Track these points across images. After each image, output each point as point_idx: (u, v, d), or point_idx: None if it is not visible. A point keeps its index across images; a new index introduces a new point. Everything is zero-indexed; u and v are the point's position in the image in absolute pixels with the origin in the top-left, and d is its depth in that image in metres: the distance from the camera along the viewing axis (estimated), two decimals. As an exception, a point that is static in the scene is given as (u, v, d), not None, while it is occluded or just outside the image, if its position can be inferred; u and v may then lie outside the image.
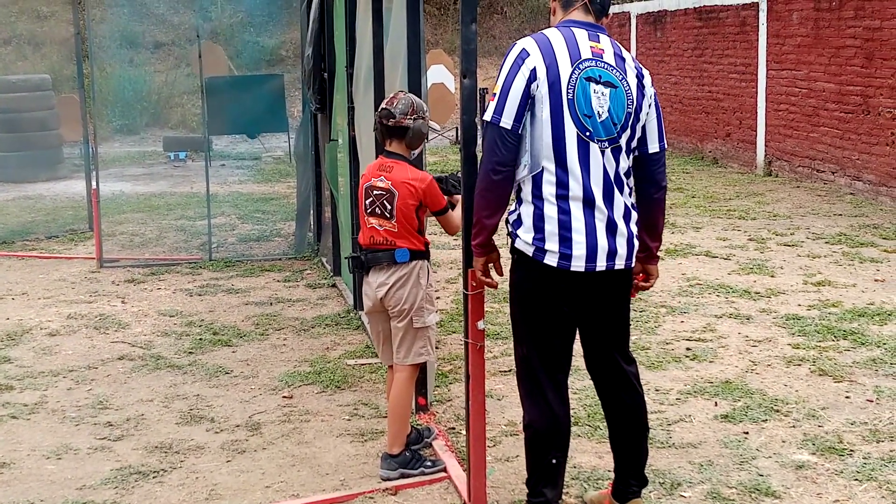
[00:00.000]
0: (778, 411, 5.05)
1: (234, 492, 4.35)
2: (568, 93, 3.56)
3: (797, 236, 9.42)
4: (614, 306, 3.82)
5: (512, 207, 3.74)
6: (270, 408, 5.36)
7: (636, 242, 3.74)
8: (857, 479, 4.28)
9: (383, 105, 4.55)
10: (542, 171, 3.59)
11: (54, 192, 13.43)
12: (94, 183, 9.22)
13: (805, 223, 10.09)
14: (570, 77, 3.57)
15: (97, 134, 9.80)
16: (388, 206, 4.44)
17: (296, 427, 5.07)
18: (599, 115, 3.59)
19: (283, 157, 16.67)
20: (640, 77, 3.72)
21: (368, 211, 4.52)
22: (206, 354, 6.30)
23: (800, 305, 7.02)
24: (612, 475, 4.04)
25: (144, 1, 20.31)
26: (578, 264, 3.60)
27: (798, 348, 6.06)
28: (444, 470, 4.48)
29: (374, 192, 4.49)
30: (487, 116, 3.62)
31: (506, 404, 5.27)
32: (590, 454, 4.62)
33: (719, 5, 15.12)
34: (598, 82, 3.60)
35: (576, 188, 3.57)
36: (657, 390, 5.38)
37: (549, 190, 3.59)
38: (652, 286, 3.98)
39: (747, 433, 4.79)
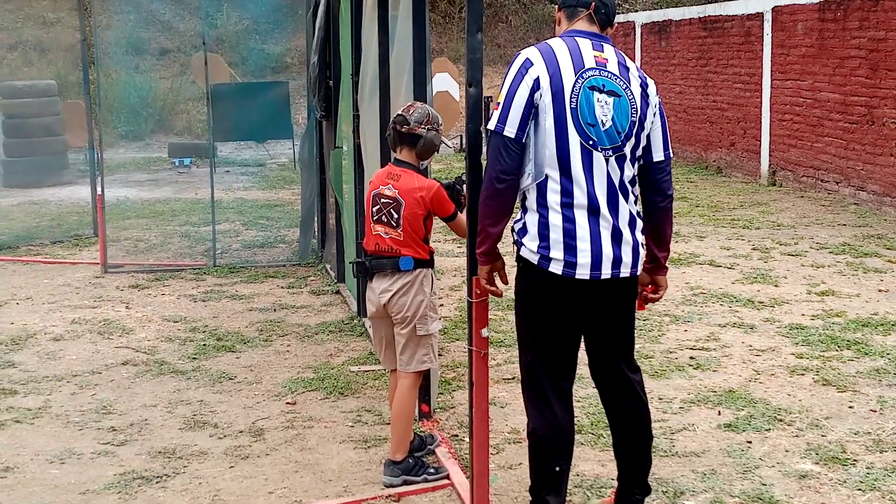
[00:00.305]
0: (781, 420, 5.05)
1: (237, 497, 4.35)
2: (571, 102, 3.57)
3: (801, 246, 9.42)
4: (619, 315, 3.82)
5: (517, 216, 3.75)
6: (274, 414, 5.36)
7: (642, 251, 3.74)
8: (860, 489, 4.28)
9: (399, 112, 4.57)
10: (547, 179, 3.60)
11: (59, 197, 13.46)
12: (98, 188, 9.24)
13: (809, 233, 10.09)
14: (574, 86, 3.58)
15: (102, 140, 9.82)
16: (395, 215, 4.45)
17: (299, 433, 5.07)
18: (603, 124, 3.60)
19: (288, 164, 16.70)
20: (644, 86, 3.72)
21: (375, 218, 4.53)
22: (209, 360, 6.31)
23: (803, 315, 7.02)
24: (616, 483, 4.04)
25: (150, 8, 20.36)
26: (583, 272, 3.60)
27: (801, 358, 6.06)
28: (447, 477, 4.48)
29: (382, 199, 4.50)
30: (491, 125, 3.63)
31: (509, 412, 5.27)
32: (593, 462, 4.62)
33: (724, 15, 15.15)
34: (601, 91, 3.61)
35: (580, 196, 3.58)
36: (661, 399, 5.38)
37: (553, 198, 3.59)
38: (661, 297, 3.96)
39: (750, 442, 4.79)
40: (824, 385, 5.58)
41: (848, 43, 12.03)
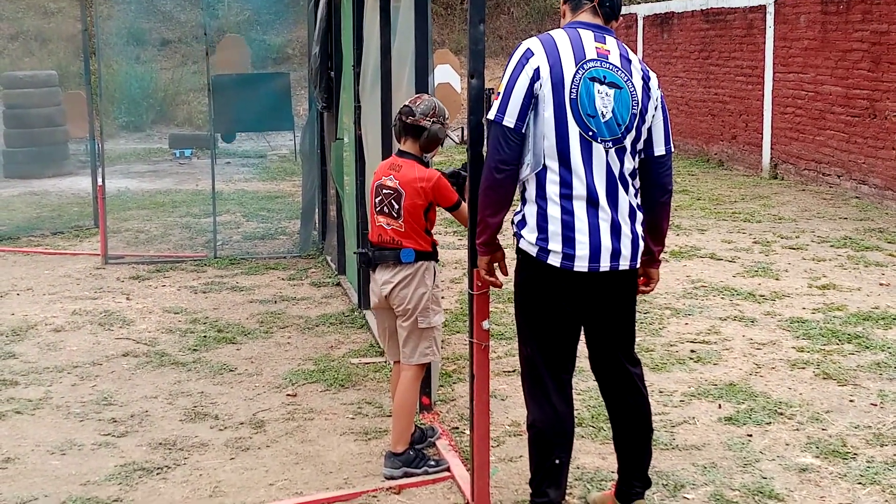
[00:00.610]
0: (782, 414, 5.05)
1: (237, 489, 4.35)
2: (571, 92, 3.57)
3: (802, 239, 9.41)
4: (619, 307, 3.81)
5: (517, 208, 3.75)
6: (274, 406, 5.36)
7: (641, 243, 3.73)
8: (860, 483, 4.28)
9: (406, 103, 4.57)
10: (546, 170, 3.59)
11: (60, 188, 13.45)
12: (99, 179, 9.24)
13: (810, 226, 10.08)
14: (574, 77, 3.57)
15: (103, 131, 9.81)
16: (396, 206, 4.45)
17: (300, 425, 5.08)
18: (603, 116, 3.59)
19: (289, 156, 16.70)
20: (646, 79, 3.71)
21: (377, 209, 4.53)
22: (210, 352, 6.31)
23: (804, 309, 7.02)
24: (616, 476, 4.04)
25: (151, -2, 20.33)
26: (582, 265, 3.59)
27: (802, 351, 6.06)
28: (448, 469, 4.48)
29: (384, 190, 4.49)
30: (491, 115, 3.63)
31: (510, 404, 5.27)
32: (593, 455, 4.62)
33: (726, 8, 15.11)
34: (602, 83, 3.60)
35: (579, 188, 3.57)
36: (661, 392, 5.38)
37: (552, 189, 3.59)
38: (652, 290, 3.97)
39: (751, 436, 4.79)
40: (825, 379, 5.58)
41: (850, 36, 12.00)
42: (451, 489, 4.36)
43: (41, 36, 21.79)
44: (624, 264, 3.67)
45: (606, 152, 3.60)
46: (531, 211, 3.64)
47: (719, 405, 5.20)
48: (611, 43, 3.70)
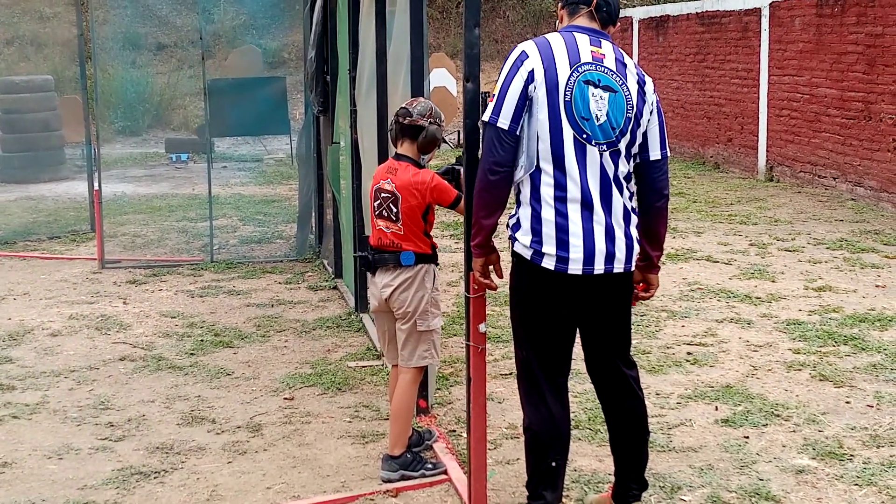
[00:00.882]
0: (778, 416, 5.06)
1: (235, 493, 4.35)
2: (565, 95, 3.58)
3: (798, 241, 9.43)
4: (614, 310, 3.82)
5: (512, 211, 3.76)
6: (271, 409, 5.37)
7: (636, 246, 3.74)
8: (857, 484, 4.29)
9: (402, 105, 4.58)
10: (541, 172, 3.60)
11: (56, 192, 13.45)
12: (96, 184, 9.24)
13: (806, 228, 10.10)
14: (568, 80, 3.59)
15: (99, 135, 9.81)
16: (394, 209, 4.45)
17: (297, 429, 5.08)
18: (598, 119, 3.60)
19: (285, 160, 16.69)
20: (641, 83, 3.72)
21: (376, 213, 4.54)
22: (207, 356, 6.31)
23: (800, 311, 7.03)
24: (613, 478, 4.05)
25: (147, 3, 20.33)
26: (576, 267, 3.60)
27: (799, 353, 6.07)
28: (445, 472, 4.48)
29: (382, 194, 4.50)
30: (485, 117, 3.65)
31: (506, 407, 5.28)
32: (590, 457, 4.63)
33: (721, 11, 15.14)
34: (596, 86, 3.61)
35: (574, 190, 3.58)
36: (658, 394, 5.39)
37: (546, 192, 3.60)
38: (652, 296, 3.96)
39: (748, 438, 4.80)
40: (821, 380, 5.59)
41: (845, 38, 12.03)
42: (448, 492, 4.36)
43: (37, 41, 21.78)
44: (618, 267, 3.67)
45: (601, 155, 3.61)
46: (525, 213, 3.65)
47: (716, 407, 5.21)
48: (606, 47, 3.71)
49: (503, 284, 3.86)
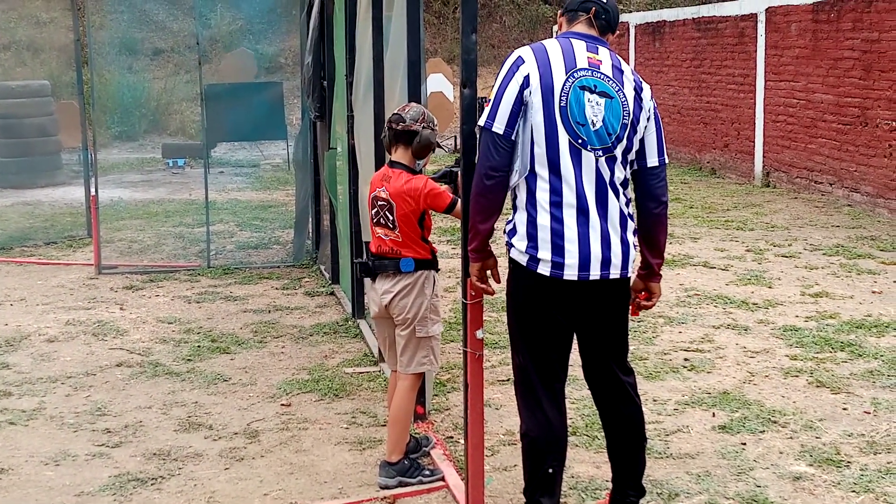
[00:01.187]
0: (775, 422, 5.06)
1: (232, 499, 4.35)
2: (561, 100, 3.58)
3: (795, 247, 9.44)
4: (610, 317, 3.81)
5: (509, 217, 3.76)
6: (269, 415, 5.36)
7: (633, 252, 3.74)
8: (854, 491, 4.29)
9: (395, 111, 4.58)
10: (536, 177, 3.61)
11: (53, 198, 13.43)
12: (93, 189, 9.22)
13: (803, 234, 10.11)
14: (564, 85, 3.59)
15: (96, 140, 9.81)
16: (390, 217, 4.45)
17: (294, 435, 5.07)
18: (593, 124, 3.60)
19: (282, 165, 16.69)
20: (638, 90, 3.72)
21: (374, 221, 4.54)
22: (204, 362, 6.30)
23: (797, 317, 7.03)
24: (610, 485, 4.05)
25: (144, 7, 20.32)
26: (571, 273, 3.60)
27: (796, 359, 6.08)
28: (443, 479, 4.48)
29: (378, 202, 4.50)
30: (481, 122, 3.66)
31: (504, 413, 5.28)
32: (587, 464, 4.62)
33: (718, 16, 15.17)
34: (592, 91, 3.62)
35: (569, 195, 3.58)
36: (655, 401, 5.39)
37: (542, 197, 3.60)
38: (654, 305, 3.95)
39: (745, 444, 4.80)
40: (818, 387, 5.59)
41: (841, 44, 12.06)
42: (445, 498, 4.36)
43: (33, 46, 21.76)
44: (615, 273, 3.67)
45: (597, 160, 3.61)
46: (521, 218, 3.65)
47: (713, 413, 5.21)
48: (603, 53, 3.72)
49: (501, 290, 3.86)
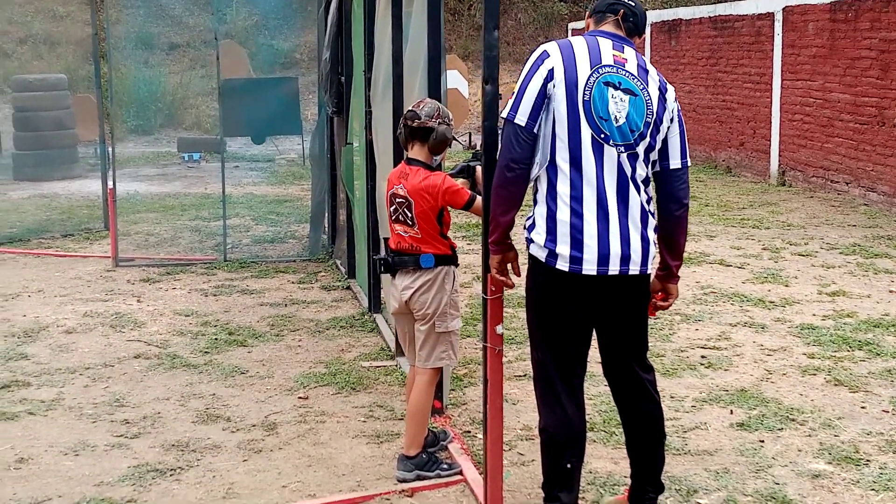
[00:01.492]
0: (793, 420, 5.05)
1: (250, 491, 4.36)
2: (584, 94, 3.59)
3: (811, 246, 9.42)
4: (630, 313, 3.81)
5: (529, 211, 3.76)
6: (286, 408, 5.38)
7: (653, 249, 3.73)
8: (873, 489, 4.28)
9: (410, 108, 4.58)
10: (557, 171, 3.61)
11: (69, 190, 13.49)
12: (110, 182, 9.26)
13: (819, 233, 10.08)
14: (588, 79, 3.60)
15: (114, 134, 9.85)
16: (409, 214, 4.46)
17: (311, 428, 5.09)
18: (616, 120, 3.60)
19: (297, 160, 16.73)
20: (663, 90, 3.72)
21: (393, 218, 4.54)
22: (221, 354, 6.32)
23: (814, 315, 7.02)
24: (628, 481, 4.05)
25: (160, 2, 20.38)
26: (590, 267, 3.60)
27: (813, 358, 6.06)
28: (461, 473, 4.49)
29: (397, 199, 4.51)
30: (504, 113, 3.66)
31: (521, 409, 5.28)
32: (605, 460, 4.63)
33: (734, 15, 15.13)
34: (617, 88, 3.62)
35: (589, 190, 3.58)
36: (672, 397, 5.39)
37: (563, 190, 3.60)
38: (671, 305, 3.93)
39: (763, 441, 4.80)
40: (836, 385, 5.58)
41: (859, 43, 12.01)
42: (463, 492, 4.37)
43: (50, 39, 21.85)
44: (634, 269, 3.66)
45: (618, 155, 3.61)
46: (541, 212, 3.65)
47: (731, 411, 5.20)
48: (629, 53, 3.73)
49: (519, 285, 3.86)
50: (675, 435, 4.86)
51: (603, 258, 3.60)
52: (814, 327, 6.69)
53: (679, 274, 3.85)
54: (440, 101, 4.90)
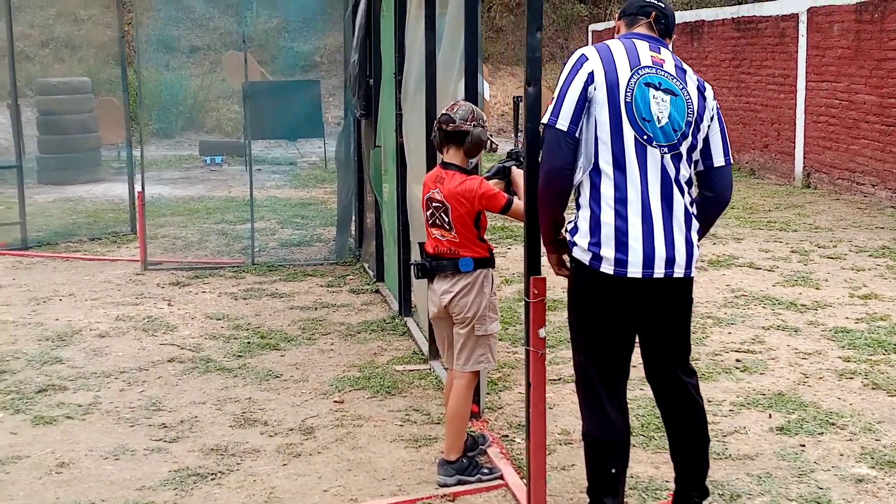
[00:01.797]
0: (833, 424, 5.02)
1: (292, 495, 4.36)
2: (626, 96, 3.58)
3: (840, 249, 9.36)
4: (674, 316, 3.80)
5: (572, 215, 3.75)
6: (322, 412, 5.38)
7: (696, 251, 3.73)
8: (918, 495, 4.25)
9: (443, 111, 4.56)
10: (601, 174, 3.60)
11: (94, 194, 13.55)
12: (138, 186, 9.28)
13: (847, 236, 10.03)
14: (629, 81, 3.60)
15: (142, 137, 9.87)
16: (446, 219, 4.45)
17: (349, 432, 5.08)
18: (659, 121, 3.60)
19: (319, 163, 16.75)
20: (701, 89, 3.73)
21: (430, 222, 4.53)
22: (254, 358, 6.33)
23: (847, 318, 6.98)
24: (670, 485, 4.04)
25: (182, 5, 20.44)
26: (635, 270, 3.58)
27: (849, 361, 6.02)
28: (501, 477, 4.48)
29: (433, 204, 4.49)
30: (544, 119, 3.66)
31: (557, 413, 5.26)
32: (646, 464, 4.61)
33: (758, 16, 15.07)
34: (657, 89, 3.63)
35: (633, 192, 3.57)
36: (710, 401, 5.34)
37: (606, 193, 3.59)
38: None
39: (804, 446, 4.77)
40: (874, 389, 5.54)
41: (886, 45, 11.95)
42: (505, 497, 4.36)
43: (71, 43, 21.95)
44: (679, 272, 3.65)
45: (662, 157, 3.60)
46: (584, 215, 3.65)
47: (769, 415, 5.18)
48: (665, 54, 3.74)
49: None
50: (714, 439, 4.82)
51: (648, 261, 3.59)
52: (847, 330, 6.65)
53: None
54: (476, 104, 4.89)
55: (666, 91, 3.64)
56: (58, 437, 5.05)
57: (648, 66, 3.65)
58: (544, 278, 3.83)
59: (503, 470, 4.53)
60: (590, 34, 21.99)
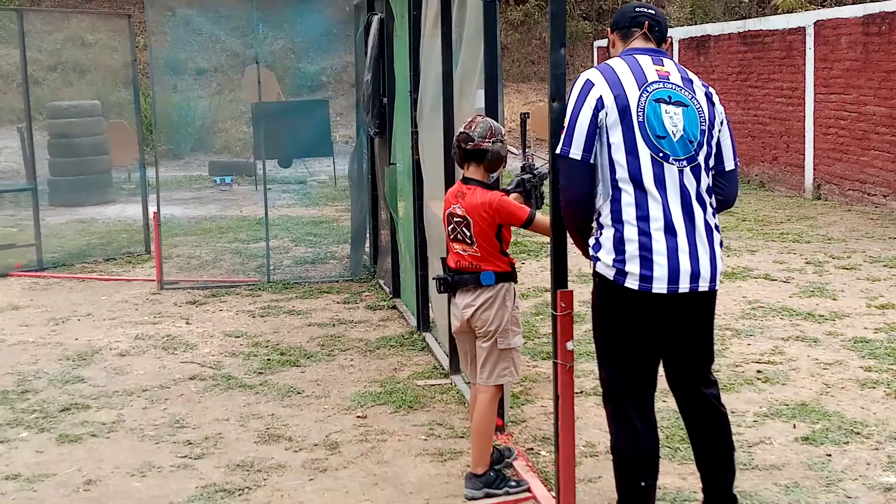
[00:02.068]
0: (858, 434, 5.02)
1: (321, 510, 4.38)
2: (638, 116, 3.60)
3: (854, 259, 9.37)
4: (698, 329, 3.81)
5: (594, 233, 3.76)
6: (346, 427, 5.39)
7: (720, 264, 3.74)
8: (947, 502, 4.25)
9: (462, 129, 4.57)
10: (621, 193, 3.62)
11: (106, 215, 13.60)
12: (152, 206, 9.32)
13: (860, 246, 10.03)
14: (639, 100, 3.61)
15: (153, 158, 9.92)
16: (468, 233, 4.47)
17: (374, 446, 5.10)
18: (674, 135, 3.62)
19: (328, 182, 16.80)
20: (709, 96, 3.77)
21: (451, 237, 4.55)
22: (275, 374, 6.35)
23: (866, 328, 6.98)
24: (697, 496, 4.04)
25: (190, 27, 20.55)
26: (660, 286, 3.60)
27: (870, 371, 6.03)
28: (529, 490, 4.48)
29: (455, 219, 4.52)
30: (557, 150, 3.67)
31: (581, 425, 5.24)
32: (673, 475, 4.61)
33: (765, 30, 15.13)
34: (668, 103, 3.64)
35: (655, 210, 3.59)
36: (733, 412, 5.32)
37: (629, 212, 3.61)
38: None
39: (830, 455, 4.77)
40: (897, 398, 5.55)
41: (894, 56, 11.98)
42: (533, 509, 4.36)
43: (79, 67, 22.08)
44: (703, 286, 3.67)
45: (681, 172, 3.62)
46: (608, 234, 3.66)
47: (794, 425, 5.18)
48: (669, 64, 3.76)
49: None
50: (740, 450, 4.82)
51: (673, 276, 3.60)
52: (867, 340, 6.66)
53: None
54: (496, 118, 4.90)
55: (677, 104, 3.66)
56: (83, 455, 5.07)
57: (656, 81, 3.67)
58: (571, 291, 3.84)
59: (530, 482, 4.54)
60: (595, 50, 22.06)
